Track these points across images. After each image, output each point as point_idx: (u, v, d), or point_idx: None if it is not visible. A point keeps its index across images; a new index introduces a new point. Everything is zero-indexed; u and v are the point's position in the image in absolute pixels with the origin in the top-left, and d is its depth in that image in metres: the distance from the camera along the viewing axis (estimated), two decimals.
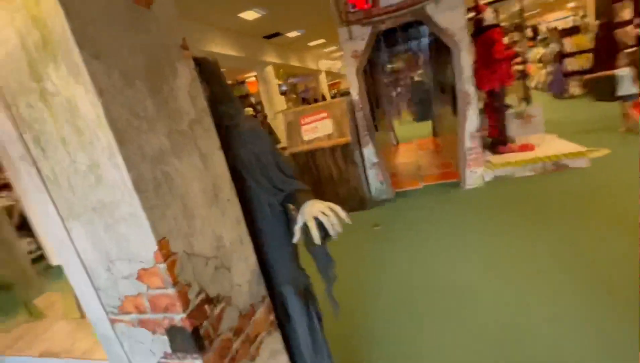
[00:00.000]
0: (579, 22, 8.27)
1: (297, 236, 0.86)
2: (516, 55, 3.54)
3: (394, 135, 6.76)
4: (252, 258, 0.93)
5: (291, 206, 1.05)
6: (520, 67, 4.46)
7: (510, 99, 4.33)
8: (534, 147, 3.72)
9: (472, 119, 3.35)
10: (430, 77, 6.20)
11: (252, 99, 11.56)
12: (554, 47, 7.64)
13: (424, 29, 5.27)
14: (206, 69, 0.92)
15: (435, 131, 6.65)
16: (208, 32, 6.64)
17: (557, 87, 7.74)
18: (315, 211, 0.83)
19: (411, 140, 6.90)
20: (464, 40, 3.12)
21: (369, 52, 3.46)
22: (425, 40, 5.68)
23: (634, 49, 4.97)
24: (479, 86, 3.54)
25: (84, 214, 0.64)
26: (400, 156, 5.78)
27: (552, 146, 3.73)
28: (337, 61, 17.88)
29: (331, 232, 0.80)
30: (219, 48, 7.03)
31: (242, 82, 12.21)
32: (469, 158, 3.45)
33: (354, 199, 3.60)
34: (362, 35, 3.38)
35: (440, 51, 4.48)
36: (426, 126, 7.07)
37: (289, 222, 1.06)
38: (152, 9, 0.70)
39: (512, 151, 3.79)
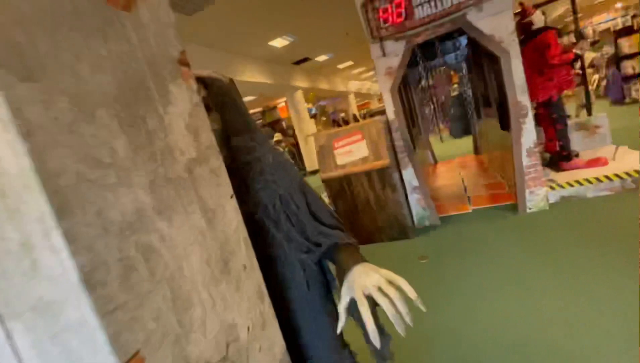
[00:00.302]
0: (629, 22, 7.50)
1: (342, 322, 0.60)
2: (577, 58, 3.12)
3: (431, 154, 6.36)
4: (280, 344, 0.67)
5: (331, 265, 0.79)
6: (579, 71, 3.98)
7: (568, 108, 3.83)
8: (607, 161, 3.18)
9: (528, 133, 2.94)
10: (469, 91, 5.81)
11: (284, 124, 11.73)
12: (607, 49, 6.95)
13: (461, 41, 4.98)
14: (217, 92, 0.71)
15: (477, 147, 6.17)
16: (239, 62, 6.81)
17: (615, 93, 6.96)
18: (369, 286, 0.56)
19: (450, 158, 6.44)
20: (513, 47, 2.78)
21: (403, 69, 3.22)
22: (461, 53, 5.37)
23: None
24: (531, 96, 3.13)
25: (25, 314, 0.43)
26: (441, 177, 5.36)
27: (629, 159, 3.18)
28: (367, 82, 17.89)
29: (398, 328, 0.52)
30: (250, 77, 7.18)
31: (274, 108, 12.48)
32: (527, 177, 3.01)
33: (395, 228, 3.26)
34: (395, 51, 3.16)
35: (481, 61, 4.14)
36: (465, 143, 6.61)
37: (329, 286, 0.80)
38: (134, 13, 0.51)
39: (579, 167, 3.28)
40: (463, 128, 7.10)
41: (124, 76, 0.46)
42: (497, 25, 2.77)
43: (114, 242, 0.40)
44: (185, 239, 0.50)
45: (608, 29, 7.59)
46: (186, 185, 0.53)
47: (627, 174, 2.90)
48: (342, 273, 0.69)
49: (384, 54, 3.19)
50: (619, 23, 8.73)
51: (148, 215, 0.45)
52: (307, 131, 9.56)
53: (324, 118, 13.48)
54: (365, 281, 0.57)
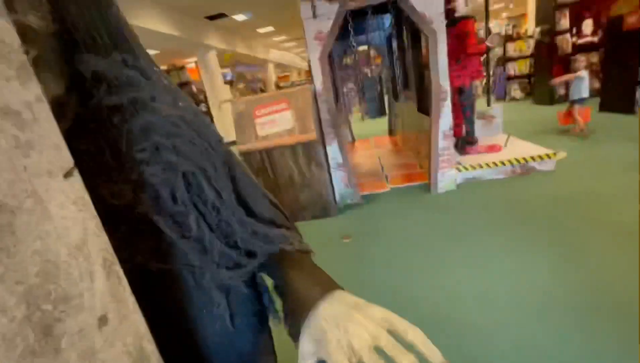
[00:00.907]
0: (510, 31, 8.71)
1: None
2: (488, 50, 3.36)
3: (350, 132, 6.42)
4: None
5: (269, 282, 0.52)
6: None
7: None
8: (501, 148, 3.60)
9: (446, 117, 3.07)
10: (388, 72, 5.96)
11: (194, 87, 10.45)
12: (498, 51, 7.98)
13: (385, 20, 4.97)
14: None
15: (392, 128, 6.47)
16: (141, 5, 5.57)
17: (499, 91, 8.12)
18: (360, 346, 0.31)
19: (366, 138, 6.63)
20: (441, 28, 2.80)
21: (335, 35, 2.97)
22: (385, 33, 5.41)
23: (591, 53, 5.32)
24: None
25: None
26: (360, 155, 5.45)
27: (517, 147, 3.65)
28: (287, 53, 17.21)
29: None
30: (151, 24, 5.99)
31: (182, 68, 10.98)
32: (441, 158, 3.18)
33: (318, 206, 3.12)
34: (328, 14, 2.88)
35: (403, 43, 4.19)
36: (379, 124, 6.89)
37: (265, 316, 0.53)
38: None
39: (480, 152, 3.64)
40: (379, 109, 7.38)
41: None
42: (429, 3, 2.73)
43: None
44: None
45: (498, 33, 8.69)
46: None
47: (516, 160, 3.32)
48: (292, 302, 0.43)
49: (315, 15, 2.87)
50: (504, 31, 10.18)
51: None
52: (220, 97, 8.66)
53: (241, 85, 12.51)
54: (350, 336, 0.31)
